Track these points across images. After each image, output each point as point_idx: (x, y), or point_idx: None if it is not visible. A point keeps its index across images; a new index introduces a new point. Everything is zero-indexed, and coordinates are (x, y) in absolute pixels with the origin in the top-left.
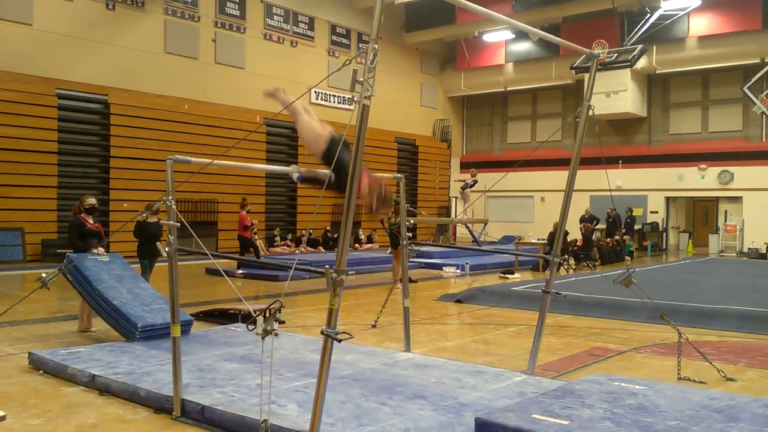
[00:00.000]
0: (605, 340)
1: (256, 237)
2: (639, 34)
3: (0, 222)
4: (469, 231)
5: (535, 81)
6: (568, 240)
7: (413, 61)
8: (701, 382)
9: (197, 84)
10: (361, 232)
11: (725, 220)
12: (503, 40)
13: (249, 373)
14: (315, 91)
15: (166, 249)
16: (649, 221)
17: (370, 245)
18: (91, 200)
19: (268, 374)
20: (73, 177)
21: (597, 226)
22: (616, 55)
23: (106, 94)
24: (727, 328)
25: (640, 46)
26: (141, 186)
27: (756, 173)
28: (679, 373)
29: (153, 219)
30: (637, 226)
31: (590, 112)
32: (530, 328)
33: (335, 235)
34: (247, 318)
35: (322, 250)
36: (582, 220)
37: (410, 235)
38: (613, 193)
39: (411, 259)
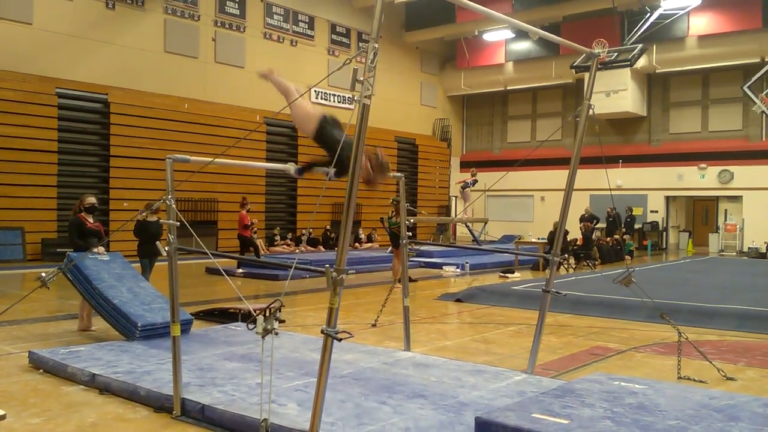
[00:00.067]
0: (605, 339)
1: (256, 236)
2: (639, 33)
3: (0, 221)
4: (469, 230)
5: (535, 80)
6: (568, 239)
7: (413, 60)
8: (701, 382)
9: (197, 83)
10: (361, 231)
11: (725, 220)
12: (503, 40)
13: (249, 372)
14: (315, 91)
15: (166, 248)
16: (649, 220)
17: (370, 244)
18: (91, 199)
19: (268, 373)
20: (73, 176)
21: (597, 226)
22: (616, 54)
23: (106, 94)
24: (727, 327)
25: (640, 46)
26: (141, 185)
27: (756, 172)
28: (679, 373)
29: (153, 218)
30: (637, 226)
31: (590, 112)
32: (530, 328)
33: (335, 234)
34: (247, 317)
35: (322, 249)
36: (582, 219)
37: (410, 234)
38: (613, 193)
39: (411, 259)
